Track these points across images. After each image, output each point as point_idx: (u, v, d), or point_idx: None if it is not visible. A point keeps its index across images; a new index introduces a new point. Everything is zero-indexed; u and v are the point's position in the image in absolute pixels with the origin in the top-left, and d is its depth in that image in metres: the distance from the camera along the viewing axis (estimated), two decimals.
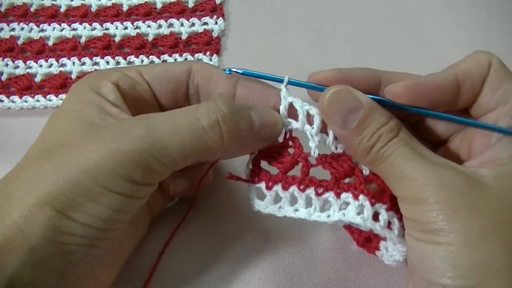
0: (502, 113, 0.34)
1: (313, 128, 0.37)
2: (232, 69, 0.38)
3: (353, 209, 0.35)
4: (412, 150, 0.33)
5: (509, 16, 0.63)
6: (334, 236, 0.44)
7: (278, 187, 0.37)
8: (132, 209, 0.35)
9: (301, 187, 0.36)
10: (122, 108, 0.37)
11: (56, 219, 0.31)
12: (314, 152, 0.37)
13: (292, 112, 0.38)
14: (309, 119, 0.37)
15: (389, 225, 0.36)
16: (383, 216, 0.35)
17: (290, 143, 0.38)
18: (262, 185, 0.38)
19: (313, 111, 0.37)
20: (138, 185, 0.33)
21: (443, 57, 0.58)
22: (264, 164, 0.39)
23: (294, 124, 0.38)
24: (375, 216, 0.35)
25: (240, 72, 0.38)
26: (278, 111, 0.38)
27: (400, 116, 0.35)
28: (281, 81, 0.38)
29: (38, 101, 0.55)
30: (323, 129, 0.37)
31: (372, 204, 0.35)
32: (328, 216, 0.36)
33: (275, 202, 0.38)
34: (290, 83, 0.38)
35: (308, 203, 0.37)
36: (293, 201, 0.37)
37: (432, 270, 0.31)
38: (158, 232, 0.44)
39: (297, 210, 0.37)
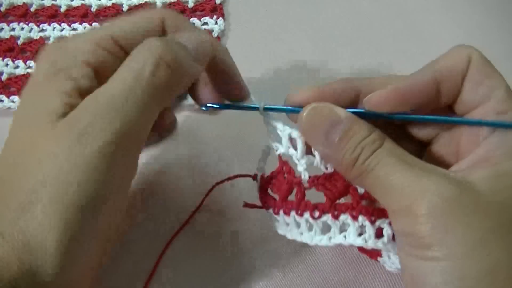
0: (487, 110, 0.32)
1: (297, 151, 0.36)
2: (207, 104, 0.39)
3: (353, 231, 0.34)
4: (398, 159, 0.31)
5: (509, 16, 0.63)
6: None
7: (281, 213, 0.37)
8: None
9: (299, 212, 0.36)
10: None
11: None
12: (304, 176, 0.36)
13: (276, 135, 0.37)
14: (293, 142, 0.36)
15: (393, 236, 0.34)
16: (387, 231, 0.34)
17: (283, 169, 0.38)
18: (271, 211, 0.38)
19: (295, 133, 0.36)
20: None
21: None
22: None
23: (281, 148, 0.37)
24: (379, 231, 0.34)
25: (217, 106, 0.39)
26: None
27: (384, 119, 0.34)
28: (256, 108, 0.37)
29: None
30: (309, 151, 0.36)
31: (373, 222, 0.34)
32: (330, 239, 0.35)
33: (287, 226, 0.38)
34: (266, 109, 0.37)
35: (310, 227, 0.36)
36: (298, 224, 0.37)
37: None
38: (157, 240, 0.44)
39: (301, 233, 0.36)
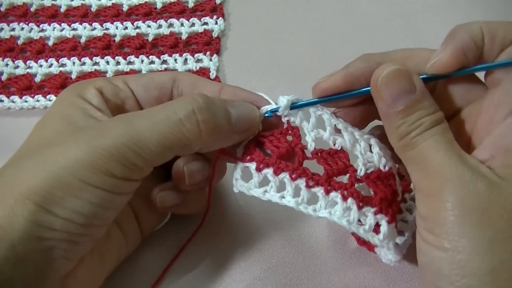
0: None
1: (309, 124, 0.38)
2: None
3: (339, 210, 0.35)
4: (446, 142, 0.32)
5: (509, 16, 0.63)
6: (334, 236, 0.44)
7: (268, 171, 0.37)
8: (113, 206, 0.35)
9: (293, 175, 0.36)
10: (105, 112, 0.38)
11: (37, 213, 0.31)
12: (311, 146, 0.37)
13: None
14: (306, 116, 0.38)
15: (377, 228, 0.35)
16: (370, 219, 0.35)
17: (290, 132, 0.38)
18: (252, 165, 0.37)
19: (311, 109, 0.38)
20: (119, 179, 0.33)
21: None
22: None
23: (292, 117, 0.38)
24: (376, 227, 0.35)
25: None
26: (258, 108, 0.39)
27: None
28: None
29: (38, 101, 0.55)
30: (320, 125, 0.38)
31: (360, 208, 0.35)
32: (314, 210, 0.36)
33: (260, 186, 0.37)
34: (293, 107, 0.38)
35: (296, 193, 0.36)
36: (279, 187, 0.37)
37: (440, 277, 0.30)
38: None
39: (283, 197, 0.36)
